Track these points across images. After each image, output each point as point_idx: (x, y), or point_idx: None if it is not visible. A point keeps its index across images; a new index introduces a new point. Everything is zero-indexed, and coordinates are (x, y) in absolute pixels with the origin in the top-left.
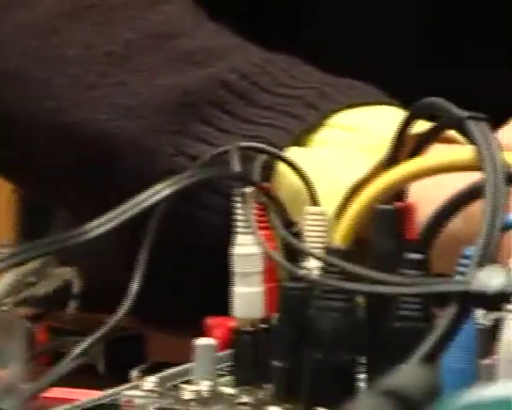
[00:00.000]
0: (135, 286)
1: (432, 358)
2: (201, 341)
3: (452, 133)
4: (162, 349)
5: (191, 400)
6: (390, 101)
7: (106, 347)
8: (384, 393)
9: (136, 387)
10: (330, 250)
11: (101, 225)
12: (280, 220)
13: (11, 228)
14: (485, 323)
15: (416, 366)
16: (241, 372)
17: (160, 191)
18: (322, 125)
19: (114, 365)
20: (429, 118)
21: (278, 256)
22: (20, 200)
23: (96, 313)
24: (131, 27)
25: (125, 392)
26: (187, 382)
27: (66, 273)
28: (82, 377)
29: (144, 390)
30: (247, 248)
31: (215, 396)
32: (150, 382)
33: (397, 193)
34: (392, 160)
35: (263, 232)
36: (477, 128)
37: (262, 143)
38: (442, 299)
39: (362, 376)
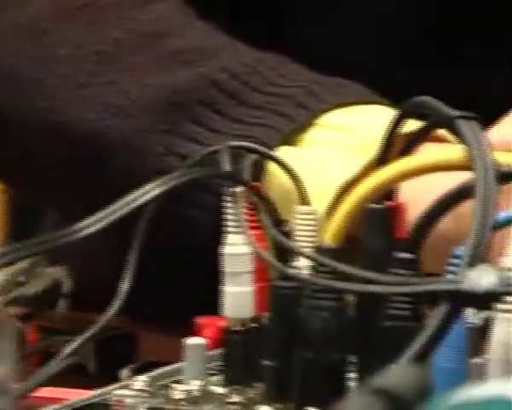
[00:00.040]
0: (125, 286)
1: (422, 357)
2: (192, 340)
3: (443, 132)
4: (152, 349)
5: (181, 399)
6: (380, 100)
7: (96, 346)
8: (374, 392)
9: (127, 386)
10: (320, 249)
11: (90, 225)
12: (270, 220)
13: (0, 228)
14: (476, 322)
15: (407, 365)
16: (231, 372)
17: (150, 191)
18: (312, 124)
19: (105, 364)
20: (420, 117)
21: (268, 256)
22: (10, 200)
23: (86, 313)
24: (121, 27)
25: (115, 392)
26: (177, 381)
27: (55, 273)
28: (72, 376)
29: (134, 390)
30: (237, 247)
31: (205, 396)
32: (140, 381)
33: (387, 192)
34: (382, 159)
35: (253, 232)
36: (467, 127)
37: (253, 142)
38: (433, 298)
39: (352, 375)
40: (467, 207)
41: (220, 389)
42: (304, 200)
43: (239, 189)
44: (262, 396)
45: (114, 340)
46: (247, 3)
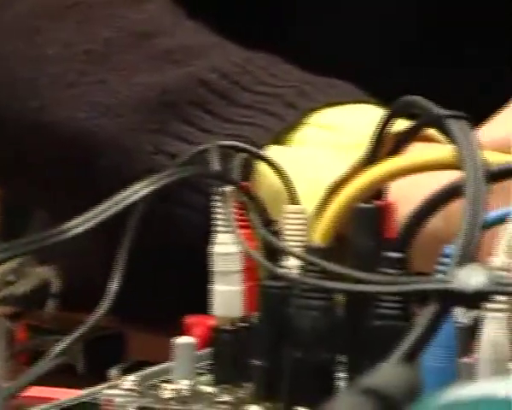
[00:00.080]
0: (114, 285)
1: (411, 357)
2: (181, 339)
3: (432, 132)
4: (141, 348)
5: (171, 399)
6: (369, 99)
7: (85, 346)
8: (364, 392)
9: (116, 386)
10: (310, 249)
11: (79, 225)
12: (260, 219)
13: None
14: (465, 321)
15: (396, 364)
16: (220, 371)
17: (139, 190)
18: (301, 123)
19: (94, 364)
20: (409, 116)
21: (258, 255)
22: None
23: (75, 313)
24: (111, 26)
25: (104, 391)
26: (166, 381)
27: (44, 272)
28: (61, 376)
29: (124, 389)
30: (226, 246)
31: (195, 395)
32: (129, 381)
33: (376, 192)
34: (371, 158)
35: (243, 231)
36: (457, 126)
37: (243, 142)
38: (422, 298)
39: (342, 375)
40: (457, 206)
41: (209, 389)
42: (293, 199)
43: (228, 188)
44: (251, 396)
45: (103, 340)
46: (247, 3)
